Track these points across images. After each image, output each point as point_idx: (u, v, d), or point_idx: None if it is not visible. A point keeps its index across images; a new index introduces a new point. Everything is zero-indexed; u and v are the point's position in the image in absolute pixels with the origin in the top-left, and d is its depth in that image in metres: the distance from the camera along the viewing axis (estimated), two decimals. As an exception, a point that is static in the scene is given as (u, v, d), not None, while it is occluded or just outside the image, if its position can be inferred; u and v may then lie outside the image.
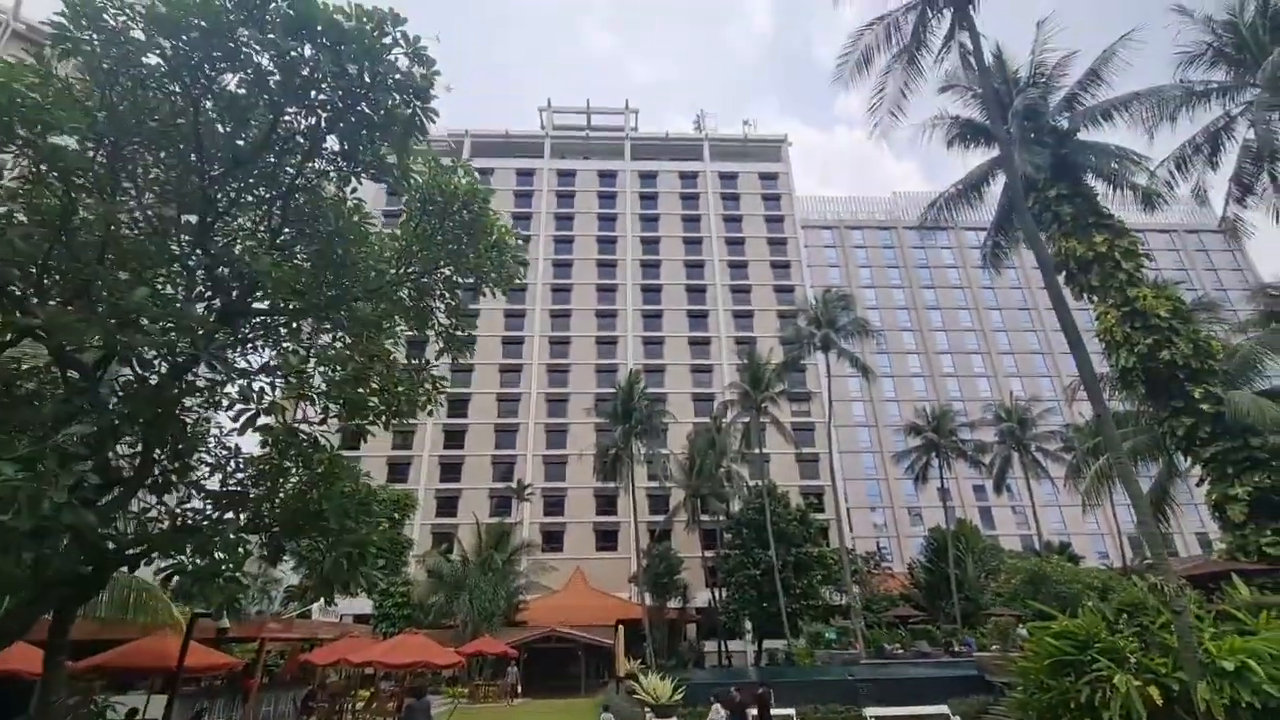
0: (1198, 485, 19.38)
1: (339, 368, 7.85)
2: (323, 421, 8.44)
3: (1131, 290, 19.58)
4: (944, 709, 14.47)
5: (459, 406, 58.21)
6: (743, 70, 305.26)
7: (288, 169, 7.57)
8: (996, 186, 22.14)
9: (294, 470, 7.80)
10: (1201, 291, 63.43)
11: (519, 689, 28.46)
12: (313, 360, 7.96)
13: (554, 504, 55.76)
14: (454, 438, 57.13)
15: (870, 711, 14.21)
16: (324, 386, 7.92)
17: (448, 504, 54.16)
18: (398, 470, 54.43)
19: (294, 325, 8.12)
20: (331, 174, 7.90)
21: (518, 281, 9.62)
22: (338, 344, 8.20)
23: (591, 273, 65.72)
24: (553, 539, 53.88)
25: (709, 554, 46.74)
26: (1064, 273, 20.91)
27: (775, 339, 58.35)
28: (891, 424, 69.16)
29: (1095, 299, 20.39)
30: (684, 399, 60.21)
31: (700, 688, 17.11)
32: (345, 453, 8.81)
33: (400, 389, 8.20)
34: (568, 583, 49.08)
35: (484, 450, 56.79)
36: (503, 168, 69.46)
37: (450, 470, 55.86)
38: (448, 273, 9.32)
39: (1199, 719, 11.36)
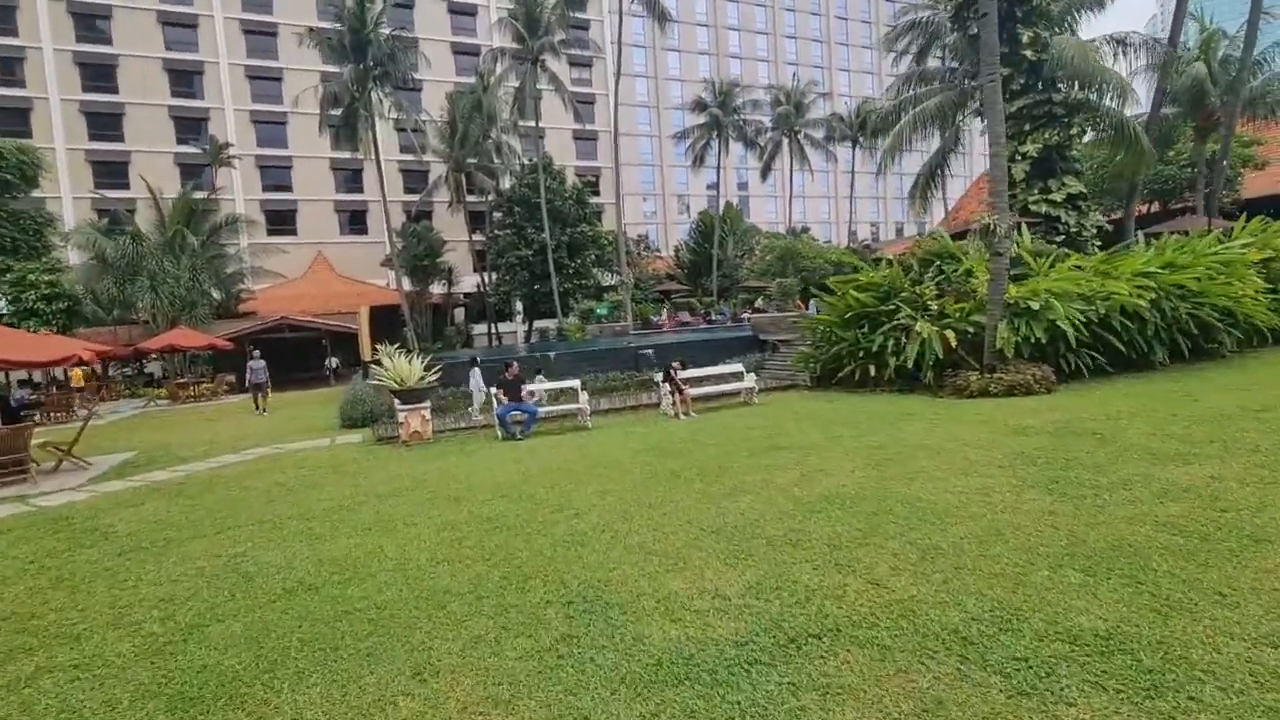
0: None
1: None
2: None
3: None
4: (739, 366, 13.48)
5: (91, 25, 39.63)
6: None
7: None
8: None
9: None
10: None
11: (263, 393, 17.58)
12: None
13: (276, 176, 44.60)
14: (98, 75, 39.80)
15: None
16: None
17: (112, 172, 39.85)
18: (10, 117, 37.30)
19: None
20: None
21: None
22: None
23: None
24: (281, 219, 44.24)
25: (477, 238, 42.31)
26: None
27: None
28: (674, 105, 65.47)
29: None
30: (441, 51, 48.44)
31: (464, 367, 14.13)
32: None
33: None
34: (308, 270, 41.96)
35: (155, 99, 40.98)
36: None
37: (105, 124, 39.99)
38: None
39: (985, 356, 11.22)
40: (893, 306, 12.38)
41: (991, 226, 10.54)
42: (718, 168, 46.71)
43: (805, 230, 60.73)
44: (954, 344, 11.23)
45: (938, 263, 12.92)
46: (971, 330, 11.39)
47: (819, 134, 51.42)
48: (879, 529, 4.49)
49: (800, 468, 6.57)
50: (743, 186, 72.41)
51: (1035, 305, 10.64)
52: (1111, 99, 16.65)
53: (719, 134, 44.89)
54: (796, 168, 51.30)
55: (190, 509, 7.07)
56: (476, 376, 13.08)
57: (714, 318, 38.01)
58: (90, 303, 29.06)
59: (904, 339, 12.02)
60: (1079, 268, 12.52)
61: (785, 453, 7.39)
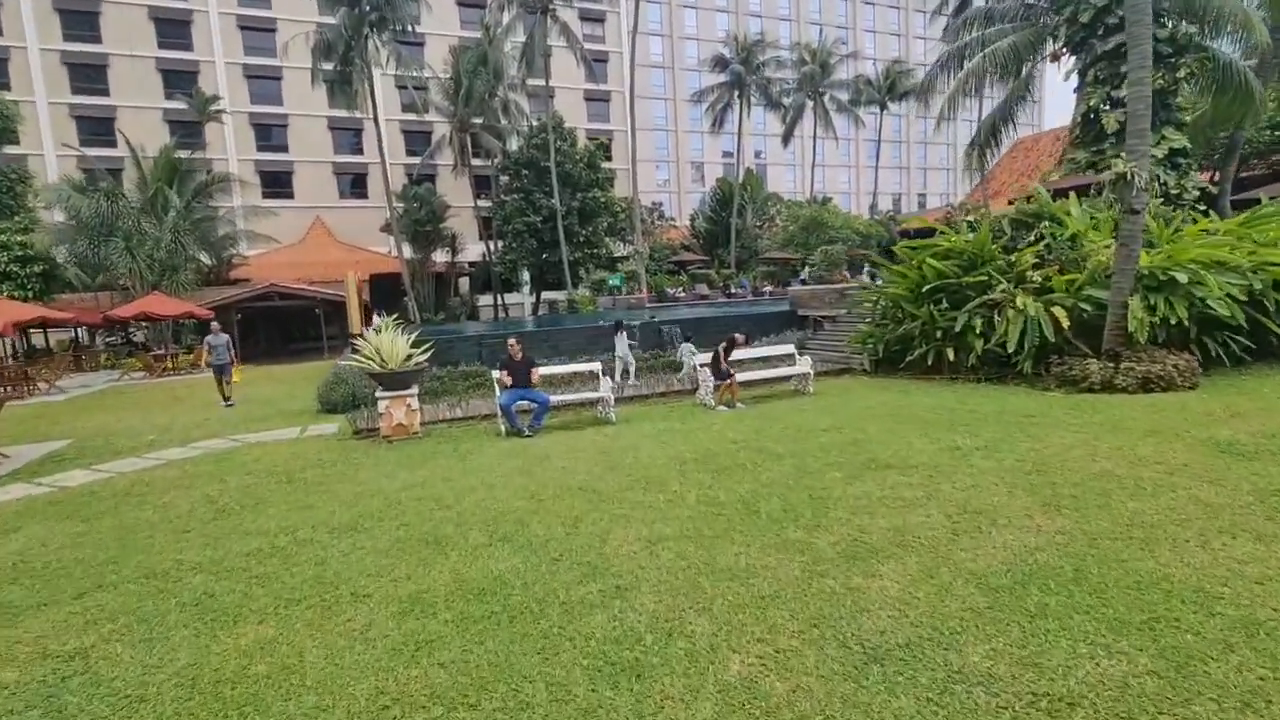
0: (1074, 91, 16.58)
1: None
2: None
3: None
4: (790, 347, 11.35)
5: (72, -33, 37.00)
6: None
7: None
8: None
9: None
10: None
11: (227, 377, 13.21)
12: None
13: (272, 136, 42.18)
14: (80, 23, 37.26)
15: (698, 357, 10.41)
16: None
17: (97, 128, 37.55)
18: (-18, 67, 35.02)
19: None
20: None
21: None
22: None
23: None
24: (277, 181, 41.97)
25: (483, 203, 39.90)
26: None
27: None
28: (690, 66, 62.16)
29: None
30: (445, 2, 45.43)
31: (464, 341, 12.10)
32: None
33: None
34: (305, 235, 39.85)
35: (142, 50, 38.46)
36: None
37: (88, 76, 37.58)
38: None
39: (1105, 339, 9.06)
40: (983, 277, 10.17)
41: (1129, 175, 8.26)
42: (737, 133, 43.88)
43: (828, 200, 57.89)
44: (1065, 323, 9.07)
45: (1037, 226, 10.67)
46: (1087, 308, 9.21)
47: (844, 96, 48.30)
48: (1192, 669, 2.43)
49: (937, 505, 4.51)
50: (760, 154, 69.22)
51: (1181, 277, 8.41)
52: (1228, 39, 14.11)
53: (740, 94, 41.97)
54: (820, 134, 48.35)
55: (73, 542, 5.10)
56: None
57: (734, 291, 35.75)
58: (72, 266, 27.16)
59: (996, 317, 9.87)
60: (1208, 232, 10.29)
61: (896, 475, 5.32)
